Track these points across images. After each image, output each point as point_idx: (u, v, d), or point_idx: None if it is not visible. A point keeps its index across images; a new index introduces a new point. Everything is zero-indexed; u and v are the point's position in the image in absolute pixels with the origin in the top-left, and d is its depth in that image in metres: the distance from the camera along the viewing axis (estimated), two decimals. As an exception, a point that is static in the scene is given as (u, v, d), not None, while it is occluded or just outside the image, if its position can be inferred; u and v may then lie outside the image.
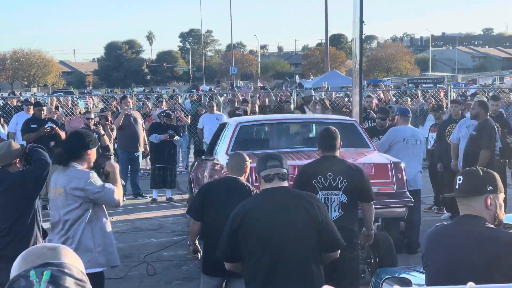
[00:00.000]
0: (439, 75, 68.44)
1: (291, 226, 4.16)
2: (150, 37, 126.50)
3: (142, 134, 13.11)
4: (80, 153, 5.13)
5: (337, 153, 5.71)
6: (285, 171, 4.33)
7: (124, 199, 12.78)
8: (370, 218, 5.75)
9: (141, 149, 13.13)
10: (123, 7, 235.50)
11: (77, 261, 1.88)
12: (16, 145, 5.54)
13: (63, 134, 11.33)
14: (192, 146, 17.07)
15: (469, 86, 39.54)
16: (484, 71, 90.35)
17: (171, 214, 11.66)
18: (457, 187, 3.44)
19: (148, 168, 15.80)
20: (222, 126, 9.63)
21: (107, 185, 5.13)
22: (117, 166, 5.46)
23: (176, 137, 12.58)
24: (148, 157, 14.34)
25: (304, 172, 5.74)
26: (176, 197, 12.94)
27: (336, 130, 5.79)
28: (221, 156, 7.98)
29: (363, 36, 10.74)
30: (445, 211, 11.03)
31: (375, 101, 14.33)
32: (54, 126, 11.26)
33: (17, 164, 5.42)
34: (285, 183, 4.35)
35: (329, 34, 48.87)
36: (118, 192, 5.19)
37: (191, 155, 17.31)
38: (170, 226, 10.74)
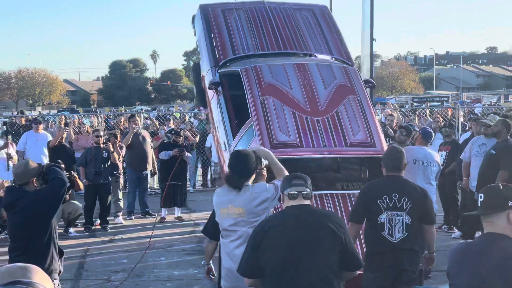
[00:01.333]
0: (443, 93, 68.59)
1: (314, 244, 4.13)
2: (154, 56, 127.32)
3: (151, 153, 13.14)
4: (252, 174, 5.14)
5: (402, 174, 5.78)
6: (309, 190, 4.32)
7: (133, 217, 12.91)
8: (432, 240, 5.79)
9: (149, 167, 13.15)
10: (128, 26, 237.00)
11: (46, 280, 1.95)
12: (33, 164, 5.54)
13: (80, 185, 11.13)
14: (199, 165, 17.04)
15: (474, 104, 39.57)
16: (488, 90, 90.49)
17: (180, 232, 11.62)
18: (479, 204, 3.44)
19: (155, 186, 15.79)
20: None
21: (277, 182, 5.08)
22: (269, 151, 5.46)
23: (187, 154, 12.48)
24: (156, 176, 14.35)
25: (369, 191, 5.76)
26: (184, 216, 12.88)
27: (402, 150, 5.90)
28: None
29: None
30: (455, 230, 10.98)
31: (396, 120, 14.29)
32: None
33: (34, 183, 5.43)
34: (309, 202, 4.34)
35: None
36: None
37: (199, 173, 17.32)
38: (180, 245, 10.69)
